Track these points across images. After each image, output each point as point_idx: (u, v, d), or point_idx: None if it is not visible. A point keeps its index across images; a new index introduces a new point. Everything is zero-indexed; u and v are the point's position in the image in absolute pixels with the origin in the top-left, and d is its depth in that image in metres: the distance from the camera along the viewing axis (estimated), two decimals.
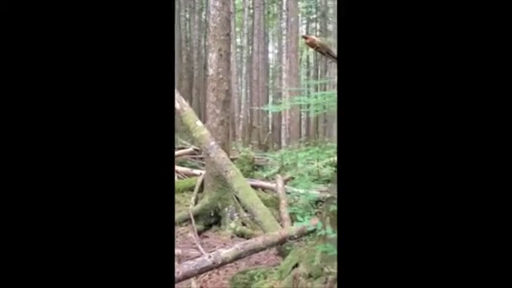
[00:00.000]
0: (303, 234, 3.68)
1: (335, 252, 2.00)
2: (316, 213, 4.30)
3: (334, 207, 2.55)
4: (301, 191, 4.91)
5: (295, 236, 3.39)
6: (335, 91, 3.90)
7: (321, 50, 4.45)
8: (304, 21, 20.99)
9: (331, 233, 1.94)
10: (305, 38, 4.33)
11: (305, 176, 4.95)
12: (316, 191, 5.11)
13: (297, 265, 2.32)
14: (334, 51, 4.55)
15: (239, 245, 2.91)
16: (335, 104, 3.70)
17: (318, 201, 4.93)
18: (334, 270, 1.89)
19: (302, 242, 3.70)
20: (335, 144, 3.53)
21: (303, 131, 19.54)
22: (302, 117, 19.78)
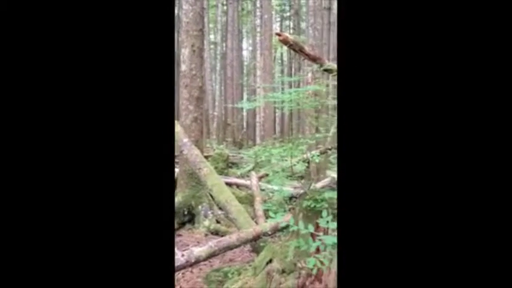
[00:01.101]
0: (277, 230, 3.71)
1: (307, 247, 2.03)
2: (289, 210, 4.34)
3: (306, 203, 2.58)
4: (275, 187, 4.94)
5: (269, 233, 3.41)
6: (308, 88, 3.94)
7: (294, 48, 4.48)
8: (278, 19, 21.08)
9: (304, 229, 1.96)
10: (278, 35, 4.34)
11: (279, 173, 4.99)
12: (290, 188, 5.16)
13: (270, 261, 2.33)
14: (307, 49, 4.59)
15: (213, 243, 2.89)
16: (308, 100, 3.74)
17: (291, 198, 4.98)
18: (307, 265, 1.91)
19: (276, 238, 3.73)
20: (308, 140, 3.57)
21: (277, 128, 19.69)
22: (276, 114, 19.91)
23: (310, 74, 6.32)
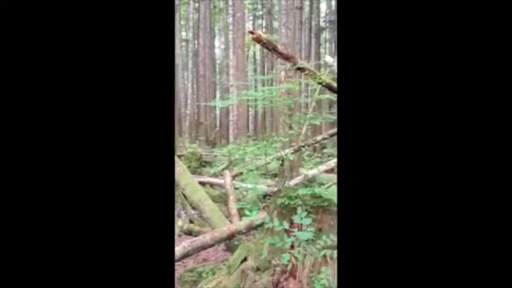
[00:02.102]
0: (251, 228, 3.71)
1: (282, 244, 2.04)
2: (264, 207, 4.35)
3: (281, 200, 2.60)
4: (250, 186, 4.94)
5: (244, 231, 3.40)
6: (281, 86, 3.97)
7: (267, 46, 4.50)
8: (251, 18, 21.09)
9: (278, 226, 1.97)
10: (251, 33, 4.34)
11: (253, 171, 4.99)
12: (264, 186, 5.18)
13: (245, 259, 2.32)
14: (280, 47, 4.62)
15: (187, 243, 2.85)
16: (281, 99, 3.77)
17: (266, 196, 5.00)
18: (281, 261, 1.92)
19: (250, 237, 3.73)
20: (282, 138, 3.59)
21: (251, 127, 19.70)
22: (250, 113, 19.91)
23: (283, 73, 6.37)
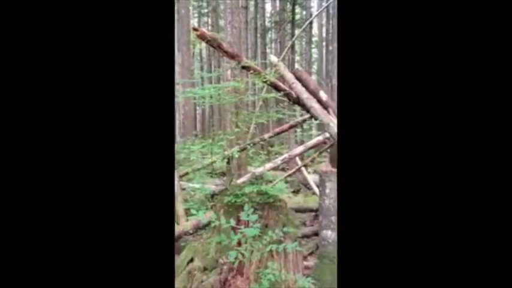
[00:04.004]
0: (198, 228, 3.65)
1: (229, 241, 2.03)
2: (211, 207, 4.31)
3: (228, 199, 2.59)
4: (197, 185, 4.86)
5: (191, 231, 3.34)
6: (228, 84, 3.95)
7: (212, 44, 4.45)
8: (196, 15, 20.74)
9: (225, 224, 1.96)
10: (195, 30, 4.26)
11: (200, 171, 4.92)
12: (211, 185, 5.13)
13: (192, 260, 2.28)
14: (225, 45, 4.60)
15: None
16: (228, 97, 3.75)
17: (213, 195, 4.95)
18: (228, 258, 1.92)
19: (198, 237, 3.67)
20: (228, 136, 3.58)
21: (198, 126, 19.41)
22: (197, 112, 19.59)
23: (229, 71, 6.36)
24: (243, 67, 4.46)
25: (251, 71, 4.37)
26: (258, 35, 15.99)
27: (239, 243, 2.07)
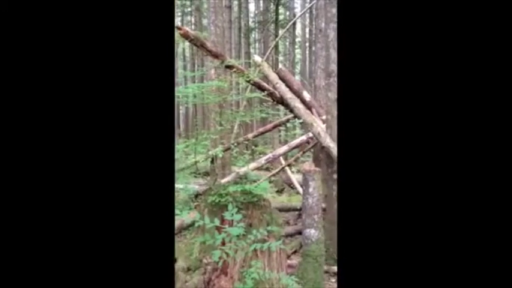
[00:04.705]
0: (182, 228, 3.62)
1: (213, 241, 2.03)
2: (195, 207, 4.28)
3: (211, 198, 2.58)
4: (181, 186, 4.82)
5: (175, 232, 3.30)
6: (211, 83, 3.93)
7: (196, 43, 4.42)
8: (179, 14, 20.54)
9: (209, 223, 1.95)
10: (179, 28, 4.22)
11: (184, 170, 4.87)
12: (195, 185, 5.09)
13: (175, 260, 2.26)
14: (209, 45, 4.57)
15: None
16: (212, 96, 3.73)
17: (197, 195, 4.92)
18: (212, 258, 1.91)
19: (182, 237, 3.64)
20: (211, 135, 3.56)
21: (182, 125, 19.22)
22: (181, 111, 19.38)
23: (212, 70, 6.33)
24: (227, 66, 4.45)
25: (235, 71, 4.37)
26: (242, 34, 15.98)
27: (223, 243, 2.07)
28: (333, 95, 3.68)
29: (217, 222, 1.98)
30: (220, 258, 1.88)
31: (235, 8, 15.46)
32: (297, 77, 16.04)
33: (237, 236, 2.02)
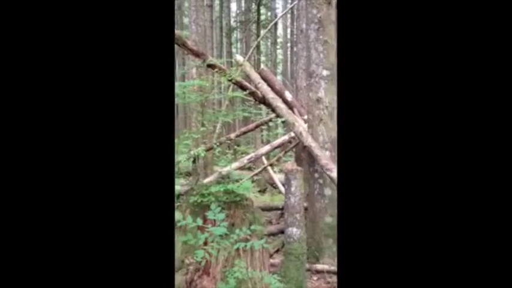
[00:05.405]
0: None
1: (195, 241, 2.01)
2: (177, 207, 4.23)
3: (193, 199, 2.56)
4: None
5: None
6: (193, 82, 3.89)
7: (177, 41, 4.37)
8: None
9: (191, 223, 1.93)
10: None
11: None
12: (177, 185, 5.03)
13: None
14: (190, 43, 4.53)
15: None
16: (194, 95, 3.70)
17: (179, 195, 4.87)
18: (195, 258, 1.90)
19: None
20: (193, 135, 3.53)
21: None
22: None
23: (194, 69, 6.27)
24: (209, 65, 4.43)
25: (216, 70, 4.35)
26: (224, 34, 15.92)
27: (205, 243, 2.06)
28: (314, 95, 3.73)
29: (199, 222, 1.96)
30: (202, 258, 1.87)
31: (217, 7, 15.39)
32: (279, 77, 16.14)
33: (220, 235, 2.01)
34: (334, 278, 3.31)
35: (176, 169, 5.23)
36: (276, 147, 5.52)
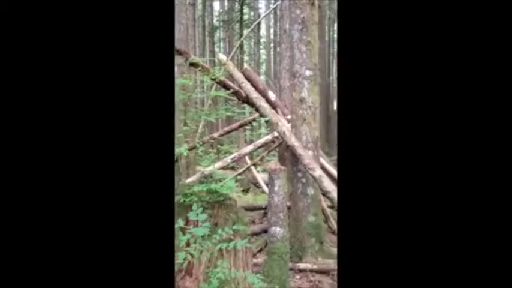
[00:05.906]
0: None
1: (177, 242, 1.98)
2: None
3: (176, 198, 2.52)
4: None
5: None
6: (175, 80, 3.84)
7: None
8: None
9: (177, 224, 1.90)
10: None
11: None
12: None
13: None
14: (177, 44, 4.47)
15: None
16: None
17: None
18: (181, 260, 1.87)
19: None
20: (176, 135, 3.48)
21: None
22: None
23: (176, 68, 6.19)
24: (191, 64, 4.38)
25: (199, 69, 4.31)
26: (206, 33, 15.80)
27: (188, 244, 2.03)
28: (297, 95, 3.74)
29: (181, 223, 1.93)
30: (185, 259, 1.84)
31: (200, 6, 15.26)
32: (262, 77, 16.15)
33: (202, 236, 1.99)
34: (317, 277, 3.34)
35: None
36: (260, 147, 5.52)
